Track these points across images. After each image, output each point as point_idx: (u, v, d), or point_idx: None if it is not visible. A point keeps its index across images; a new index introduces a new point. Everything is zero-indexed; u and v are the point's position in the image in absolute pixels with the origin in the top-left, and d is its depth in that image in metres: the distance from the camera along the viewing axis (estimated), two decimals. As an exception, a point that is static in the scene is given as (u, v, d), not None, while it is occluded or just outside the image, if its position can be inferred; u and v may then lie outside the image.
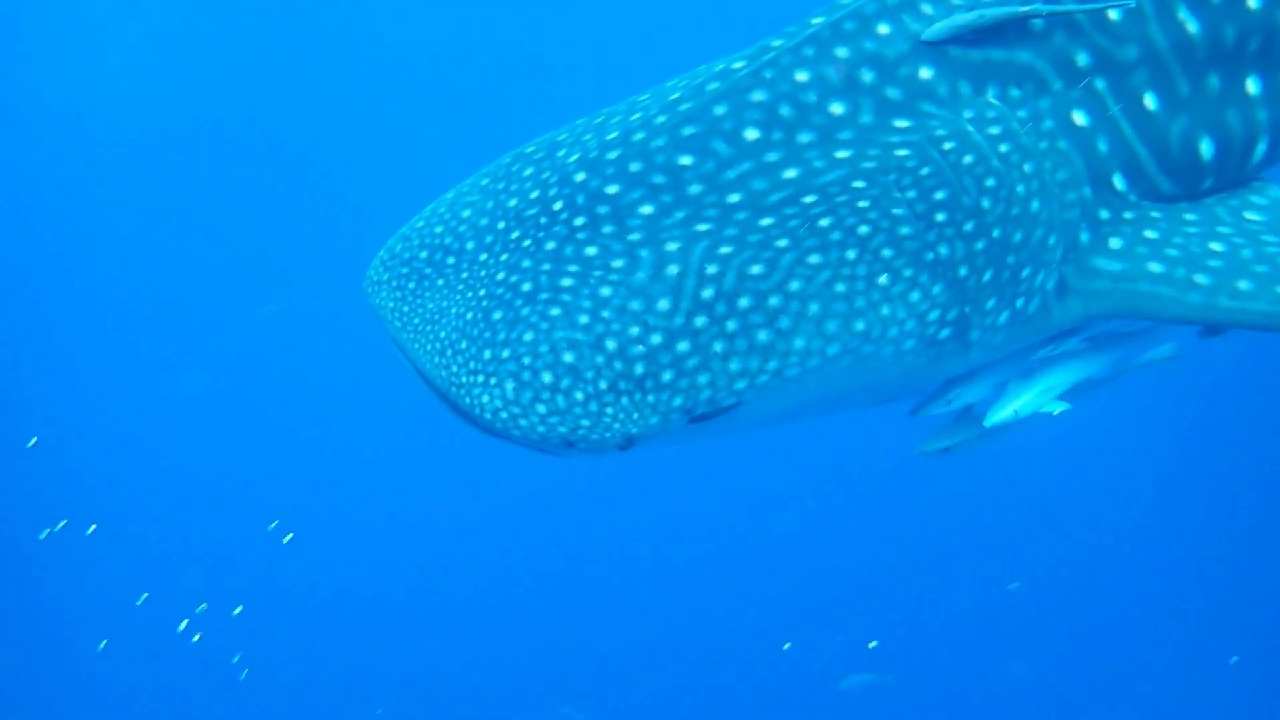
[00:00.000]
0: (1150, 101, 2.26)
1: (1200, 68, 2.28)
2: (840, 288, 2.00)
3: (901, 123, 2.14)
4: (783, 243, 2.01)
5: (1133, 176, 2.26)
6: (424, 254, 2.25)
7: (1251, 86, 2.31)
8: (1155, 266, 2.16)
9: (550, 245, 2.07)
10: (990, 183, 2.11)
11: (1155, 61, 2.26)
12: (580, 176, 2.12)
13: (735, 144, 2.11)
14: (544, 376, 1.93)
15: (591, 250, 2.04)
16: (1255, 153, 2.35)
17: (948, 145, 2.11)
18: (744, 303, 1.95)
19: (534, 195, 2.16)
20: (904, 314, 2.04)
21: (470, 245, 2.20)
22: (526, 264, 2.07)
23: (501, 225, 2.17)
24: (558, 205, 2.11)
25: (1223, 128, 2.30)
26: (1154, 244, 2.20)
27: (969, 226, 2.09)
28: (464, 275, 2.16)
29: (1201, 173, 2.31)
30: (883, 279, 2.02)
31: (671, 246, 2.01)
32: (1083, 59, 2.24)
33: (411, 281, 2.24)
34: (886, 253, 2.03)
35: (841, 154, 2.11)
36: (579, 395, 1.92)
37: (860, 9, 2.25)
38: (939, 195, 2.08)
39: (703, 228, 2.03)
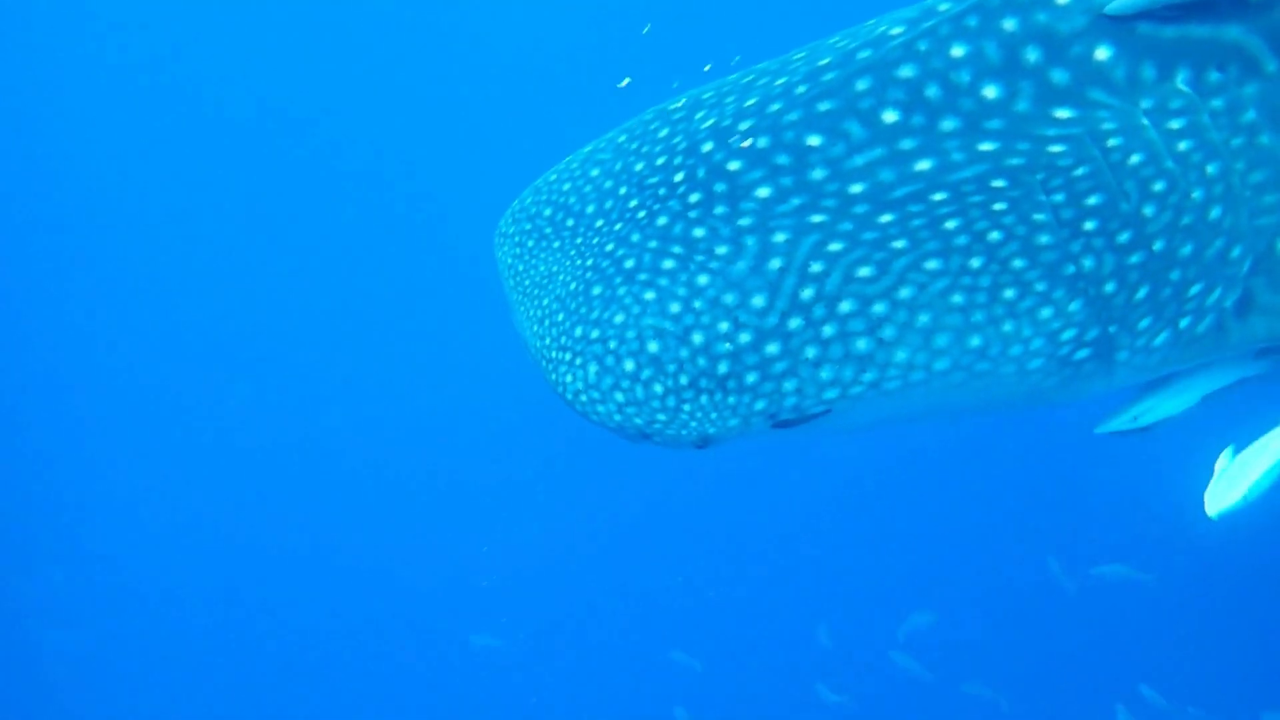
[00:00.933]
0: None
1: None
2: (957, 299, 1.80)
3: (1063, 113, 1.87)
4: (900, 244, 1.82)
5: None
6: (547, 211, 2.22)
7: None
8: None
9: (662, 220, 1.99)
10: (1158, 187, 1.82)
11: None
12: (707, 147, 2.01)
13: (871, 126, 1.92)
14: (626, 364, 1.88)
15: (699, 232, 1.94)
16: None
17: (1112, 141, 1.83)
18: (846, 307, 1.80)
19: (660, 162, 2.07)
20: (1030, 332, 1.82)
21: (590, 209, 2.14)
22: (635, 238, 2.00)
23: (623, 191, 2.09)
24: (679, 176, 2.01)
25: None
26: None
27: (1124, 237, 1.82)
28: (578, 240, 2.12)
29: None
30: (1009, 292, 1.80)
31: (779, 237, 1.88)
32: None
33: (531, 239, 2.22)
34: (1017, 263, 1.81)
35: (986, 146, 1.87)
36: (658, 388, 1.85)
37: None
38: (1092, 200, 1.81)
39: (817, 219, 1.88)
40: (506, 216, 2.34)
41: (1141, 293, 1.84)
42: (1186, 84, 1.87)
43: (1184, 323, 1.88)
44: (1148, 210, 1.81)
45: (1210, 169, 1.83)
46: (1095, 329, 1.84)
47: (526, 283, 2.17)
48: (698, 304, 1.86)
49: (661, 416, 1.86)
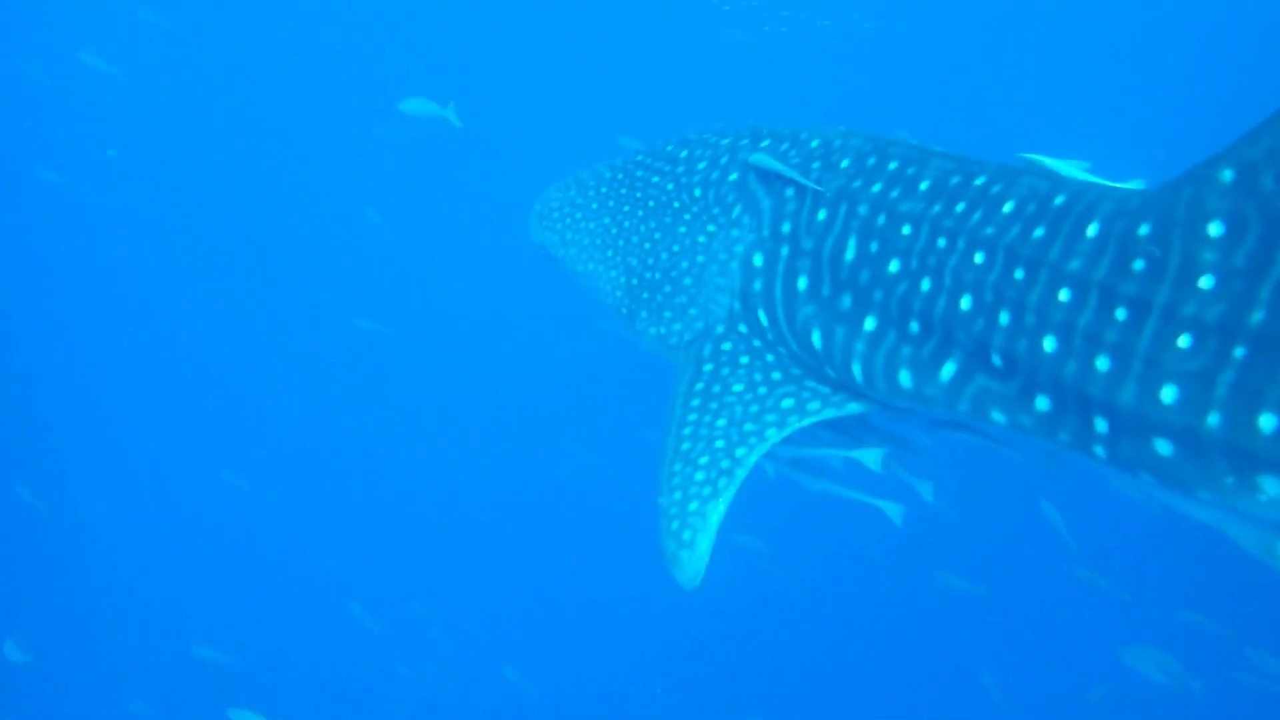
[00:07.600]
0: (801, 283, 2.92)
1: (842, 284, 2.81)
2: (610, 252, 3.56)
3: (698, 193, 3.37)
4: (628, 212, 3.61)
5: (771, 322, 3.02)
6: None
7: (868, 323, 2.73)
8: (708, 366, 3.06)
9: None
10: (675, 248, 3.30)
11: (816, 258, 2.88)
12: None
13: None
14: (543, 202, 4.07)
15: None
16: (853, 370, 2.76)
17: (686, 215, 3.33)
18: (590, 225, 3.71)
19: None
20: (616, 274, 3.49)
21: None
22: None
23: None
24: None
25: (831, 334, 2.83)
26: (738, 368, 3.01)
27: (653, 275, 3.36)
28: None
29: (818, 357, 2.88)
30: (609, 253, 3.54)
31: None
32: (786, 228, 3.01)
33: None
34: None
35: (681, 200, 3.43)
36: (542, 208, 4.00)
37: (771, 128, 3.36)
38: (664, 256, 3.36)
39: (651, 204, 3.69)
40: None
41: (644, 295, 3.34)
42: (737, 215, 3.16)
43: (661, 329, 3.27)
44: (664, 257, 3.31)
45: (699, 258, 3.19)
46: (628, 305, 3.42)
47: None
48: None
49: (534, 223, 3.98)
